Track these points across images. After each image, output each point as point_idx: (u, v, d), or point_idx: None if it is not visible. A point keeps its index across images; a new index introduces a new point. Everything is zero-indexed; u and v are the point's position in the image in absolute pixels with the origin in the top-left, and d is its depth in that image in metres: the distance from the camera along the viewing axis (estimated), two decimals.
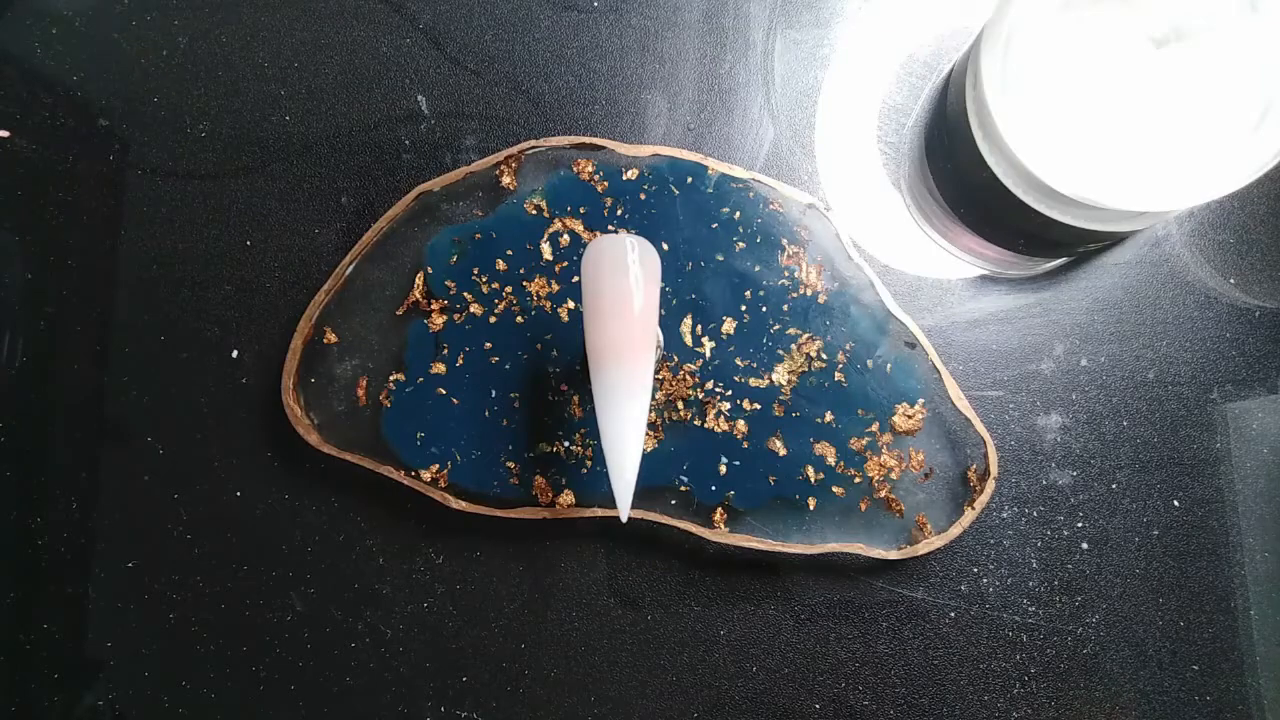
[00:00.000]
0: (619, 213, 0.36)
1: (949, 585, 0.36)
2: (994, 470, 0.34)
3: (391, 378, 0.35)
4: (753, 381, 0.35)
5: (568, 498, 0.35)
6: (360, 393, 0.36)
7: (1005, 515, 0.36)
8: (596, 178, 0.36)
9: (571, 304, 0.35)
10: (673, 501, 0.35)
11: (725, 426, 0.35)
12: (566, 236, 0.36)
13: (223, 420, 0.37)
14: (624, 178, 0.36)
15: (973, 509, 0.34)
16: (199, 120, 0.38)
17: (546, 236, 0.36)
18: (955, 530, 0.34)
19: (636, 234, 0.30)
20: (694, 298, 0.35)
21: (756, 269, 0.35)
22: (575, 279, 0.35)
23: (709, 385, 0.35)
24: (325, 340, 0.36)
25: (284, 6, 0.38)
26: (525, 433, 0.35)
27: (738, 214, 0.35)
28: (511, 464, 0.35)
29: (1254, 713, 0.35)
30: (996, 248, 0.36)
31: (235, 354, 0.37)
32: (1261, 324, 0.36)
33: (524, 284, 0.35)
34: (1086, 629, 0.36)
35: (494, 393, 0.35)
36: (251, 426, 0.37)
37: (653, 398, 0.34)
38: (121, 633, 0.36)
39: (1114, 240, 0.36)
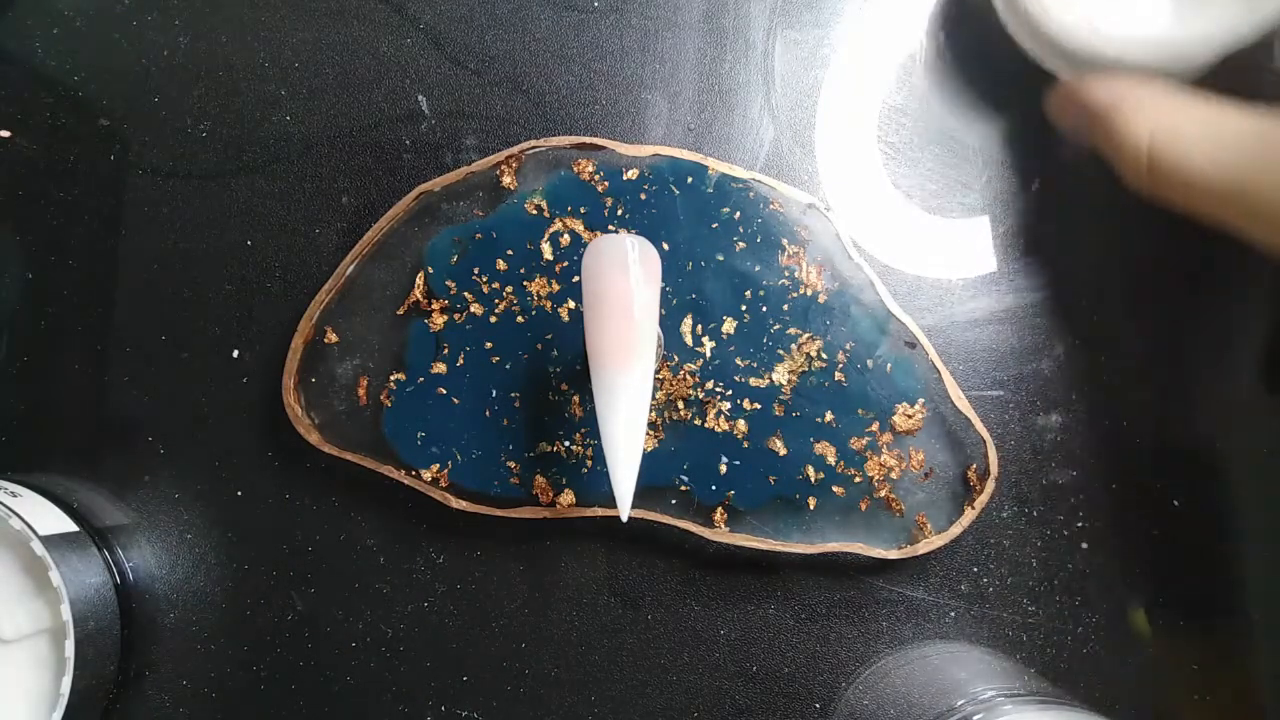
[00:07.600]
0: (619, 213, 0.36)
1: (949, 585, 0.36)
2: (994, 470, 0.34)
3: (392, 377, 0.35)
4: (753, 381, 0.35)
5: (568, 497, 0.35)
6: (361, 392, 0.36)
7: (1005, 515, 0.36)
8: (597, 178, 0.36)
9: (572, 304, 0.35)
10: (673, 501, 0.35)
11: (725, 426, 0.35)
12: (567, 236, 0.36)
13: (223, 420, 0.37)
14: (624, 178, 0.36)
15: (973, 509, 0.34)
16: (199, 120, 0.38)
17: (547, 236, 0.36)
18: (955, 530, 0.34)
19: (637, 234, 0.30)
20: (694, 297, 0.35)
21: (756, 269, 0.35)
22: (576, 279, 0.35)
23: (709, 385, 0.35)
24: (326, 340, 0.36)
25: (284, 6, 0.38)
26: (525, 432, 0.35)
27: (738, 214, 0.35)
28: (512, 464, 0.35)
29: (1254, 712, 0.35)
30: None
31: (235, 354, 0.37)
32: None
33: (524, 284, 0.35)
34: (1086, 629, 0.36)
35: (494, 392, 0.35)
36: (251, 426, 0.37)
37: (653, 398, 0.34)
38: None
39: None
